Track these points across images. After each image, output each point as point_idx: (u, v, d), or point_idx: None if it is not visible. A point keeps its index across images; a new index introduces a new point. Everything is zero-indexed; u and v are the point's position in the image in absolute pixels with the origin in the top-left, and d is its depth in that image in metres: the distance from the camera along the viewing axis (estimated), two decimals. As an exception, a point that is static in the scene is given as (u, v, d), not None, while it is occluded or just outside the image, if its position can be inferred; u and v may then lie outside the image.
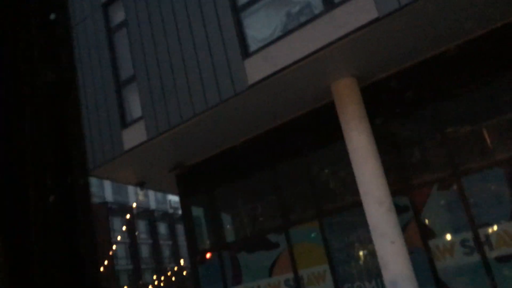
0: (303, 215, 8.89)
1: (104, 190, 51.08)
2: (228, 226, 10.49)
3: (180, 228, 57.11)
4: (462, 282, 7.03)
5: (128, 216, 44.65)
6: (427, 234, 7.36)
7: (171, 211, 58.20)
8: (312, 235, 8.59)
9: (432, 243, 7.30)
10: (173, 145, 9.05)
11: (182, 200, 10.40)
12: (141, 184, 10.58)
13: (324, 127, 8.41)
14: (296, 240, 8.76)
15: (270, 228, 9.33)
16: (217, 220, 10.24)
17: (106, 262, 38.84)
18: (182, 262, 48.97)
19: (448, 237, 7.20)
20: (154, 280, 45.98)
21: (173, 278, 45.78)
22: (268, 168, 9.31)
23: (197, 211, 10.63)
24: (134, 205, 45.40)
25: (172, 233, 54.97)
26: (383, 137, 7.72)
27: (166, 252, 52.87)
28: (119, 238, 44.49)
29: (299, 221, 8.83)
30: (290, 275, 8.71)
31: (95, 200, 48.37)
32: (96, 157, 9.03)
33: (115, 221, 46.80)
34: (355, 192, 7.99)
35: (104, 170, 9.28)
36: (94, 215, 43.36)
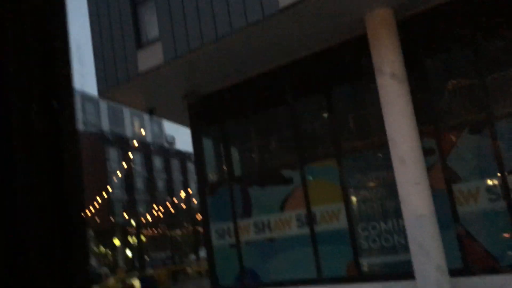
0: (321, 153, 8.64)
1: (100, 119, 50.71)
2: (240, 159, 10.26)
3: (175, 163, 57.48)
4: (483, 228, 6.91)
5: (131, 151, 44.52)
6: (452, 177, 7.16)
7: (167, 145, 58.29)
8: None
9: (456, 187, 7.11)
10: (190, 71, 8.61)
11: (193, 130, 10.07)
12: (151, 111, 10.21)
13: (352, 62, 7.98)
14: (311, 177, 8.56)
15: (284, 163, 9.10)
16: (228, 152, 10.00)
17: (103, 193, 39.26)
18: (182, 194, 49.60)
19: (474, 182, 7.00)
20: (150, 211, 46.69)
21: (172, 210, 46.48)
22: (286, 102, 8.94)
23: (208, 143, 10.35)
24: (135, 142, 45.13)
25: (167, 167, 55.32)
26: (416, 75, 7.33)
27: (160, 186, 53.41)
28: (118, 173, 44.68)
29: (316, 158, 8.59)
30: (302, 211, 8.59)
31: (91, 129, 48.10)
32: (108, 78, 8.59)
33: (111, 152, 46.78)
34: (378, 132, 7.73)
35: (115, 92, 8.88)
36: (87, 144, 43.17)
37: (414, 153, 6.79)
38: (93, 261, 42.41)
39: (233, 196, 9.48)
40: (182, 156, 58.55)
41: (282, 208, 8.86)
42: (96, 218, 39.26)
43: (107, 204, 42.48)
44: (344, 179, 8.15)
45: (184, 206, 49.04)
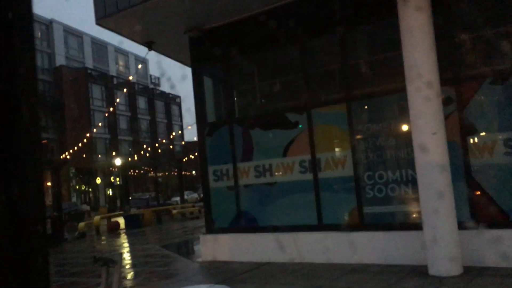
0: (330, 97, 8.29)
1: (84, 55, 49.01)
2: (242, 100, 9.84)
3: (159, 105, 56.59)
4: (495, 182, 6.76)
5: (115, 89, 43.35)
6: (468, 129, 6.91)
7: (151, 86, 57.11)
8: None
9: (471, 139, 6.89)
10: (195, 2, 7.99)
11: (193, 67, 9.56)
12: (149, 45, 9.60)
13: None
14: (318, 122, 8.24)
15: (290, 106, 8.74)
16: (230, 91, 9.54)
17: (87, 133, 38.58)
18: (166, 137, 48.87)
19: (491, 134, 6.78)
20: (133, 152, 46.27)
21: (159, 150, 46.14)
22: (295, 41, 8.45)
23: (209, 81, 9.87)
24: (131, 78, 43.87)
25: (151, 109, 54.49)
26: (442, 19, 6.88)
27: (144, 127, 52.78)
28: (101, 112, 43.64)
29: (325, 102, 8.24)
30: (306, 157, 8.33)
31: (74, 64, 46.60)
32: (107, 5, 7.93)
33: (94, 89, 45.62)
34: (394, 78, 7.38)
35: (113, 21, 8.25)
36: (70, 80, 41.95)
37: (433, 101, 6.47)
38: (74, 199, 42.28)
39: (234, 138, 9.15)
40: (166, 98, 57.61)
41: (285, 152, 8.58)
42: (78, 156, 38.70)
43: (90, 143, 41.90)
44: (353, 125, 7.85)
45: (171, 148, 48.71)
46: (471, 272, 6.35)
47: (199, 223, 20.68)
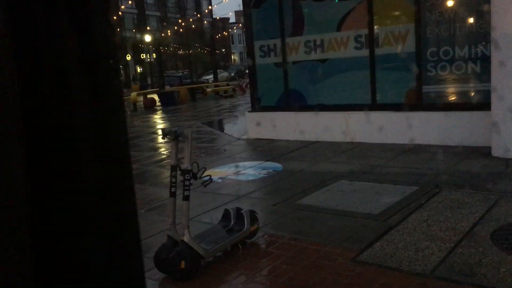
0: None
1: None
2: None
3: (186, -23, 53.65)
4: None
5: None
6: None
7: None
8: None
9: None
10: None
11: None
12: None
13: None
14: (378, -8, 7.46)
15: (348, -26, 7.89)
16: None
17: None
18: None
19: None
20: (162, 28, 45.07)
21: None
22: None
23: None
24: None
25: (178, -18, 51.83)
26: None
27: (171, 2, 50.71)
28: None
29: (388, -32, 7.36)
30: (363, 31, 7.70)
31: None
32: None
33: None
34: None
35: None
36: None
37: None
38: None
39: (283, 10, 8.48)
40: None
41: (339, 26, 7.95)
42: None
43: (117, 18, 40.81)
44: (419, -5, 7.06)
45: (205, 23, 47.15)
46: (539, 155, 6.05)
47: (235, 101, 20.61)
